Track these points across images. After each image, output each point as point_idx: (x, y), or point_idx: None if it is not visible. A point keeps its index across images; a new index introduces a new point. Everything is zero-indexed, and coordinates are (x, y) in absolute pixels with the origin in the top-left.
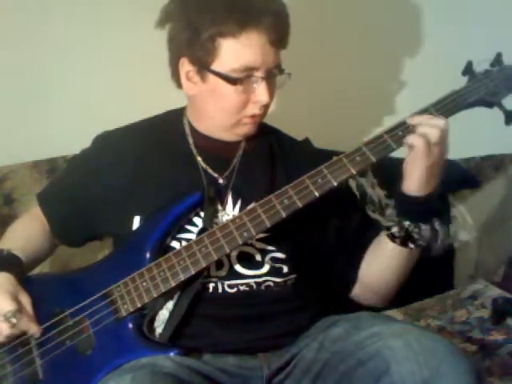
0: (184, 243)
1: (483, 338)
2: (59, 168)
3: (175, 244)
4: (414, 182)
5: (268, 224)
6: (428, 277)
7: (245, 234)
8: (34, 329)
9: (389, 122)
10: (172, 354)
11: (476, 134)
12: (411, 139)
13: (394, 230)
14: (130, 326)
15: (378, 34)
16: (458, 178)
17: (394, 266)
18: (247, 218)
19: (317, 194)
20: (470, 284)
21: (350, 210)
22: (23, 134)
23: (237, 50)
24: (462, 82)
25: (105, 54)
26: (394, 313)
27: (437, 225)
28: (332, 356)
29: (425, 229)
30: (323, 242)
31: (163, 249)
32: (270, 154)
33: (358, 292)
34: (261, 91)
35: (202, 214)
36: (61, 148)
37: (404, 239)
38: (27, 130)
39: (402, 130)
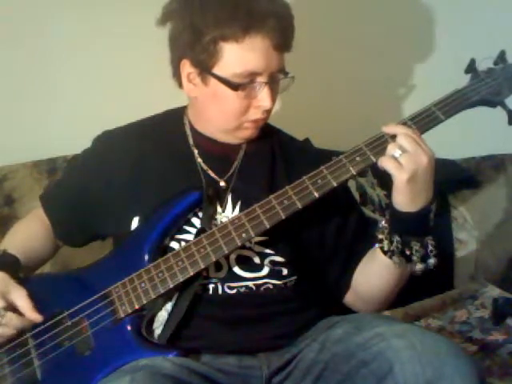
0: (183, 244)
1: (483, 338)
2: (59, 168)
3: (174, 245)
4: (400, 199)
5: (267, 225)
6: (428, 277)
7: (244, 234)
8: (23, 323)
9: (390, 121)
10: (171, 355)
11: (476, 134)
12: (381, 162)
13: (384, 243)
14: (129, 327)
15: (379, 34)
16: (457, 178)
17: (385, 277)
18: (246, 219)
19: (316, 194)
20: (470, 284)
21: (348, 216)
22: (23, 134)
23: (239, 55)
24: (464, 80)
25: (105, 53)
26: (394, 313)
27: (429, 244)
28: (334, 357)
29: (415, 246)
30: (321, 246)
31: (162, 249)
32: (271, 156)
33: (349, 299)
34: (263, 96)
35: (200, 214)
36: (61, 148)
37: (394, 253)
38: (27, 130)
39: None
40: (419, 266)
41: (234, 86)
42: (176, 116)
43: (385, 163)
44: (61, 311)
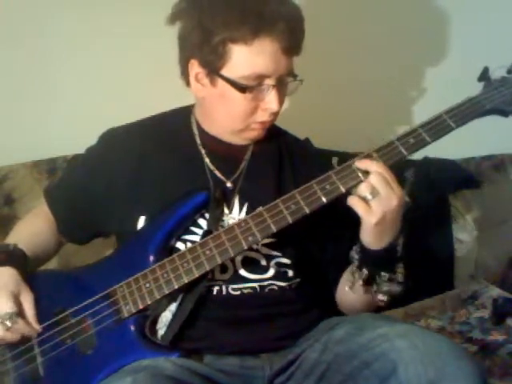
0: (189, 245)
1: (483, 338)
2: (59, 168)
3: (180, 245)
4: (367, 239)
5: (274, 229)
6: (428, 277)
7: (250, 238)
8: (29, 331)
9: (390, 121)
10: (173, 356)
11: (476, 134)
12: (349, 201)
13: (356, 273)
14: (132, 327)
15: (380, 34)
16: (458, 178)
17: (359, 297)
18: (253, 222)
19: (324, 200)
20: (470, 284)
21: (350, 221)
22: (23, 134)
23: (248, 57)
24: (467, 80)
25: (105, 53)
26: (394, 313)
27: (399, 271)
28: (336, 357)
29: (384, 276)
30: (323, 250)
31: (168, 250)
32: (278, 157)
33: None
34: (271, 99)
35: (207, 215)
36: (61, 148)
37: (362, 281)
38: (27, 130)
39: (413, 137)
40: (382, 297)
41: (242, 88)
42: (183, 115)
43: (354, 204)
44: (64, 309)
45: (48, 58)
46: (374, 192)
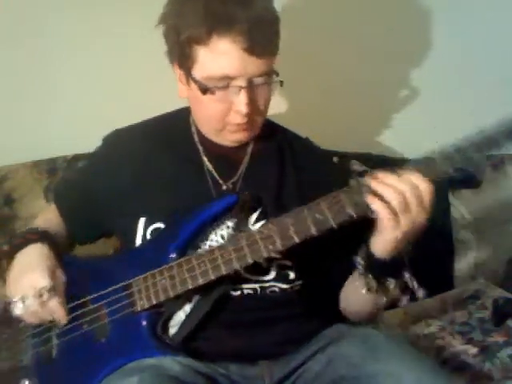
0: (211, 246)
1: (484, 339)
2: (59, 168)
3: (203, 246)
4: (381, 249)
5: (297, 239)
6: (428, 277)
7: (270, 246)
8: (60, 313)
9: (389, 122)
10: (179, 356)
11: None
12: (375, 205)
13: (360, 279)
14: (144, 322)
15: (379, 35)
16: (458, 178)
17: (361, 303)
18: (275, 229)
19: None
20: (470, 284)
21: (353, 230)
22: (23, 134)
23: (210, 58)
24: (465, 81)
25: (105, 53)
26: (393, 313)
27: (407, 277)
28: (342, 380)
29: (390, 283)
30: (326, 254)
31: (191, 249)
32: (278, 156)
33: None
34: (240, 101)
35: (232, 218)
36: (61, 148)
37: (369, 288)
38: (27, 130)
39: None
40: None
41: (203, 90)
42: (184, 114)
43: (383, 216)
44: (84, 295)
45: (48, 58)
46: (407, 208)
